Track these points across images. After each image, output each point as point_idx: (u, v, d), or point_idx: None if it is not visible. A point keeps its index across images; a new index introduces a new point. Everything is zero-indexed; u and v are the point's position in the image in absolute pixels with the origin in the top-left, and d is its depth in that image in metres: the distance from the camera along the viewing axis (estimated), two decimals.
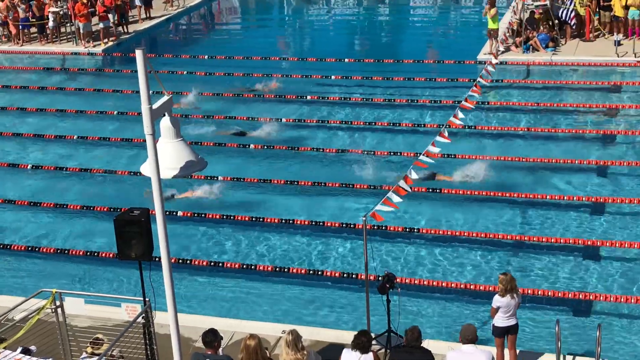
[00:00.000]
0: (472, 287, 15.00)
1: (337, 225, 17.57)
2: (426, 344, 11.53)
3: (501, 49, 28.07)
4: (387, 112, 24.06)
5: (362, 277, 13.96)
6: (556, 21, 28.53)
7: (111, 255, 16.53)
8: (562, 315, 14.13)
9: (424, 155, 15.13)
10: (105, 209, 18.77)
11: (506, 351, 12.10)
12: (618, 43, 26.77)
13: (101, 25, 32.37)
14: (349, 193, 19.14)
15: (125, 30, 33.98)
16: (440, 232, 17.04)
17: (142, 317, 11.43)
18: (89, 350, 11.39)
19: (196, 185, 19.45)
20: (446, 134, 15.98)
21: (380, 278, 12.76)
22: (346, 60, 29.38)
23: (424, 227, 17.24)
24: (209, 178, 19.72)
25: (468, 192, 18.56)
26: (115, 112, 25.16)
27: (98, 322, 13.47)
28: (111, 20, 33.07)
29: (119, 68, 30.34)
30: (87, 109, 25.66)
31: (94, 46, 32.29)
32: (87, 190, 20.31)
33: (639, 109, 23.08)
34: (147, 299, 11.44)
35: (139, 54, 8.47)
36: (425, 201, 18.42)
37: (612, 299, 14.39)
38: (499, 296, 11.70)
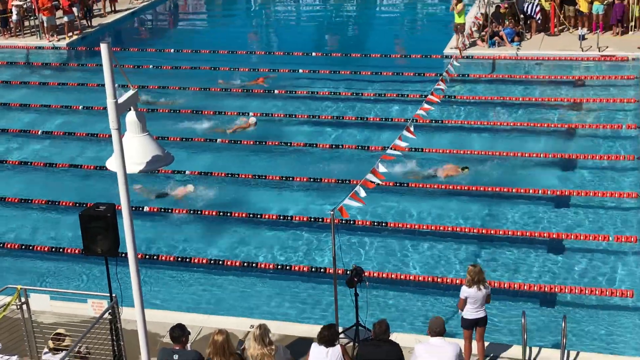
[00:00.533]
0: (440, 280, 15.09)
1: (305, 219, 17.57)
2: (394, 337, 11.58)
3: (467, 43, 28.23)
4: (355, 106, 24.08)
5: (331, 271, 13.98)
6: (521, 16, 28.73)
7: (77, 251, 16.39)
8: (529, 307, 14.26)
9: (391, 148, 15.16)
10: (70, 204, 18.60)
11: (474, 343, 12.18)
12: (582, 37, 27.05)
13: (65, 19, 32.01)
14: (316, 187, 19.16)
15: (90, 24, 33.65)
16: (408, 225, 17.11)
17: (109, 313, 11.34)
18: (51, 345, 11.28)
19: (190, 183, 19.38)
20: (412, 128, 16.02)
21: (348, 272, 12.78)
22: (314, 54, 29.36)
23: (391, 221, 17.29)
24: (175, 172, 19.64)
25: (435, 186, 18.66)
26: (80, 107, 24.93)
27: (64, 319, 13.34)
28: (76, 14, 32.71)
29: (84, 62, 30.07)
30: (51, 103, 25.39)
31: (59, 40, 31.94)
32: (52, 185, 20.11)
33: (602, 103, 23.33)
34: (113, 295, 11.36)
35: (104, 48, 8.40)
36: (393, 195, 18.47)
37: (577, 290, 14.56)
38: (466, 287, 11.80)
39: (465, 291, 11.83)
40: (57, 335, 11.42)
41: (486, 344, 12.42)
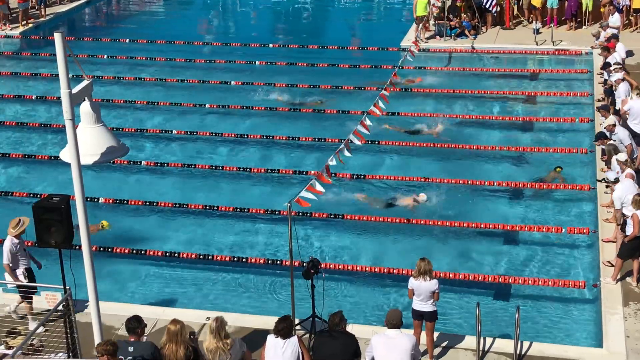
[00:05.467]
0: (396, 271, 15.17)
1: (261, 211, 17.54)
2: (350, 328, 11.64)
3: (423, 36, 28.38)
4: (312, 98, 24.04)
5: (287, 263, 13.99)
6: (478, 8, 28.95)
7: (30, 243, 16.14)
8: (483, 298, 14.41)
9: (348, 140, 15.14)
10: (24, 195, 18.35)
11: (424, 335, 12.28)
12: (537, 31, 27.35)
13: (19, 7, 31.41)
14: (274, 179, 19.14)
15: (43, 13, 33.12)
16: (364, 218, 17.16)
17: (63, 306, 11.23)
18: (5, 339, 11.17)
19: None
20: (367, 121, 16.07)
21: (304, 264, 12.81)
22: (270, 45, 29.29)
23: (348, 213, 17.33)
24: (131, 163, 19.49)
25: (392, 178, 18.74)
26: (33, 97, 24.59)
27: (18, 311, 13.21)
28: (30, 2, 32.18)
29: (37, 51, 29.59)
30: (4, 92, 25.00)
31: (11, 29, 31.39)
32: (5, 175, 19.83)
33: (556, 96, 23.61)
34: (67, 287, 11.25)
35: (57, 37, 8.30)
36: (349, 187, 18.53)
37: (530, 281, 14.75)
38: (412, 278, 12.00)
39: (410, 282, 12.06)
40: (13, 330, 11.31)
41: (436, 334, 12.53)
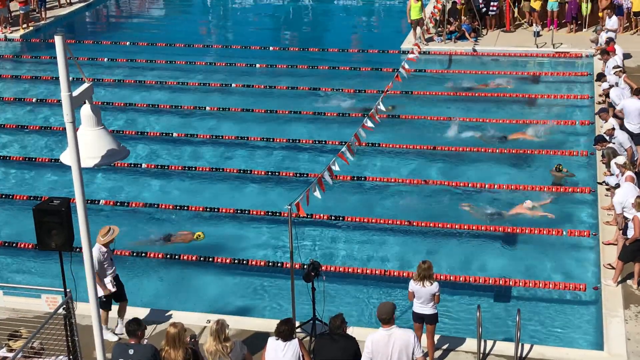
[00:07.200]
0: (396, 274, 15.18)
1: (262, 213, 17.54)
2: (351, 330, 11.62)
3: (424, 39, 28.38)
4: (312, 101, 24.05)
5: (288, 265, 13.99)
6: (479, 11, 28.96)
7: (31, 245, 16.17)
8: (483, 300, 14.40)
9: (346, 147, 15.07)
10: (24, 198, 18.35)
11: (425, 338, 12.26)
12: (537, 34, 27.36)
13: (20, 10, 31.42)
14: (274, 182, 19.14)
15: (44, 16, 33.15)
16: (365, 220, 17.16)
17: (63, 309, 11.21)
18: (7, 342, 11.14)
19: None
20: (369, 123, 16.06)
21: (305, 266, 12.80)
22: (271, 48, 29.30)
23: (348, 216, 17.32)
24: (132, 165, 19.49)
25: (392, 180, 18.76)
26: (34, 100, 24.60)
27: (18, 314, 13.20)
28: (31, 6, 32.19)
29: (37, 54, 29.61)
30: (4, 95, 25.01)
31: (12, 32, 31.41)
32: (5, 178, 19.84)
33: (556, 99, 23.61)
34: (68, 290, 11.23)
35: (58, 40, 8.29)
36: (350, 190, 18.53)
37: (531, 284, 14.74)
38: (413, 281, 12.00)
39: (411, 285, 12.04)
40: (14, 333, 11.28)
41: (437, 337, 12.52)
